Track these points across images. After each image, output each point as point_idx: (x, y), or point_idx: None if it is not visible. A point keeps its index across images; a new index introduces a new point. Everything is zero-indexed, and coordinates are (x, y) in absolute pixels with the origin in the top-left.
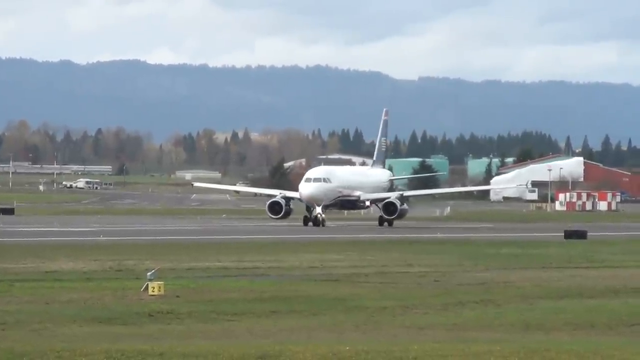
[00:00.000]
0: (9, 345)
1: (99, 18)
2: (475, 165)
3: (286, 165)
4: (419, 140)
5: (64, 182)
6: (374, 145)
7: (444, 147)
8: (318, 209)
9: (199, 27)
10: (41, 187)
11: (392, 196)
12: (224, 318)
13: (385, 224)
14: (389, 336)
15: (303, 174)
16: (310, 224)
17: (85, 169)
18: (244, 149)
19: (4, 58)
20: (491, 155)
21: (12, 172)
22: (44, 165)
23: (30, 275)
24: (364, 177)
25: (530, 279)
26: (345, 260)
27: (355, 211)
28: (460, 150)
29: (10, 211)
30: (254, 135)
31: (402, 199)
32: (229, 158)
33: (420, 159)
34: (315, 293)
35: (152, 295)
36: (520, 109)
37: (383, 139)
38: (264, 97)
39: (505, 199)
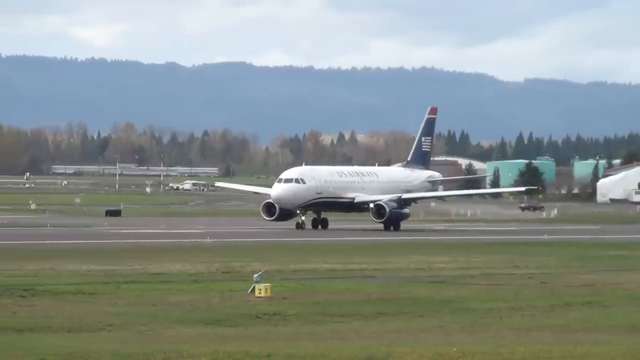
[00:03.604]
0: (116, 347)
1: (212, 20)
2: (582, 167)
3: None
4: (525, 142)
5: (170, 184)
6: (481, 147)
7: (550, 148)
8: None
9: (312, 29)
10: (148, 189)
11: (384, 199)
12: (331, 320)
13: (392, 227)
14: (496, 338)
15: None
16: (319, 227)
17: (192, 171)
18: (351, 150)
19: (109, 60)
20: (598, 157)
21: (119, 174)
22: (150, 167)
23: (137, 277)
24: (367, 177)
25: (637, 281)
26: (451, 262)
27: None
28: (566, 151)
29: (117, 213)
30: (360, 137)
31: (401, 202)
32: (335, 160)
33: (526, 161)
34: (422, 295)
35: (259, 297)
36: (627, 110)
37: (426, 138)
38: (370, 98)
39: (612, 200)
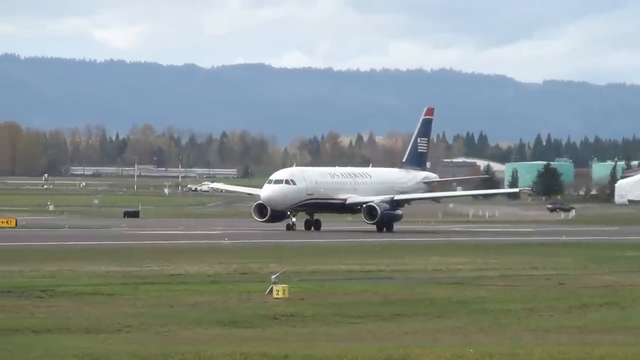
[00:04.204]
0: (134, 348)
1: (231, 21)
2: (600, 169)
3: None
4: (544, 143)
5: (189, 186)
6: (499, 148)
7: (569, 149)
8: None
9: (331, 30)
10: (166, 191)
11: (376, 200)
12: (348, 321)
13: (384, 229)
14: (514, 339)
15: None
16: (312, 228)
17: (210, 172)
18: (369, 152)
19: (128, 62)
20: (616, 159)
21: (137, 176)
22: (168, 169)
23: (155, 278)
24: (360, 178)
25: None
26: (469, 263)
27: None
28: (584, 153)
29: (135, 214)
30: (379, 139)
31: (393, 203)
32: (354, 161)
33: (545, 162)
34: (439, 296)
35: (277, 298)
36: None
37: (422, 139)
38: (389, 100)
39: (630, 202)
